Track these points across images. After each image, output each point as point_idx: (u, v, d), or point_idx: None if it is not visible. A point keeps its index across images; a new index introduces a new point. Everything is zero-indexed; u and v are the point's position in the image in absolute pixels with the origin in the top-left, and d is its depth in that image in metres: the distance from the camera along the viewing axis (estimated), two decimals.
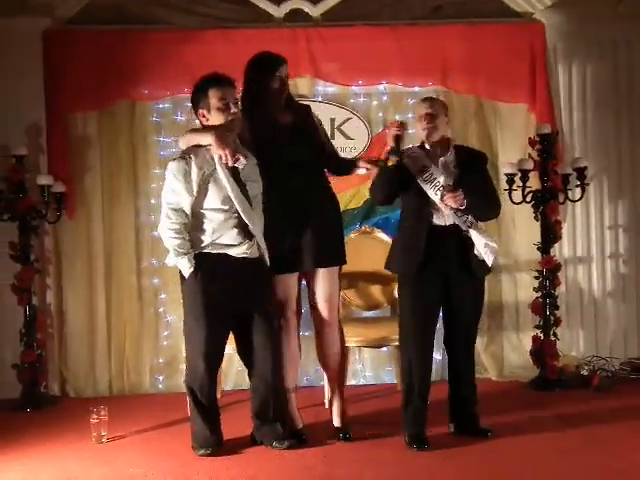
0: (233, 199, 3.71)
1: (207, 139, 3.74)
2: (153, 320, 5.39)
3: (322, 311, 3.99)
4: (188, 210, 3.74)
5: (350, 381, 5.22)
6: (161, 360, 5.37)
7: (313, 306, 4.03)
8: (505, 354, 5.44)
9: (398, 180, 3.82)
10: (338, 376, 4.10)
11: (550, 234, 5.19)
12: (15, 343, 5.09)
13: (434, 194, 3.79)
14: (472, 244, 3.80)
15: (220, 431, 3.87)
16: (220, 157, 3.70)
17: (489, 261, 3.84)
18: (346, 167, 4.16)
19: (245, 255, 3.76)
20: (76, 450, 4.01)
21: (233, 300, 3.77)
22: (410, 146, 4.02)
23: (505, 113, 5.50)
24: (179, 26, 5.40)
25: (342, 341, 4.12)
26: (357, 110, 5.47)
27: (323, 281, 3.96)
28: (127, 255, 5.37)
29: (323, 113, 5.05)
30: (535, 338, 5.16)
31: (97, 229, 5.35)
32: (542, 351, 5.08)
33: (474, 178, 3.84)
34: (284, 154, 3.86)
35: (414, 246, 3.80)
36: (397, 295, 4.05)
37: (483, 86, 5.45)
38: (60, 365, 5.32)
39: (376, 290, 5.09)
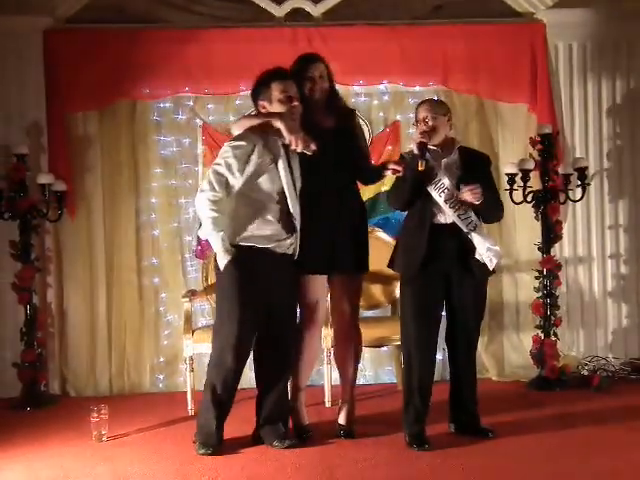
0: (286, 190, 3.75)
1: (275, 123, 3.74)
2: (153, 319, 5.39)
3: (344, 314, 4.02)
4: (236, 188, 3.72)
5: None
6: (161, 359, 5.37)
7: (335, 309, 4.07)
8: (505, 354, 5.44)
9: (420, 186, 3.80)
10: (352, 377, 4.12)
11: (551, 234, 5.19)
12: (15, 342, 5.09)
13: (438, 195, 3.79)
14: (473, 247, 3.79)
15: (223, 430, 3.88)
16: (290, 142, 3.71)
17: (491, 265, 3.82)
18: (376, 173, 4.09)
19: (286, 252, 3.80)
20: (76, 449, 4.02)
21: (268, 298, 3.80)
22: (412, 147, 3.98)
23: (506, 113, 5.50)
24: (180, 25, 5.39)
25: (359, 343, 4.14)
26: (358, 109, 5.42)
27: (347, 285, 3.99)
28: (128, 254, 5.36)
29: None
30: (535, 338, 5.16)
31: (98, 228, 5.35)
32: (542, 351, 5.08)
33: (478, 180, 3.79)
34: (320, 157, 3.81)
35: (416, 245, 3.79)
36: (399, 294, 4.04)
37: (484, 86, 5.44)
38: (60, 364, 5.32)
39: (376, 290, 5.09)
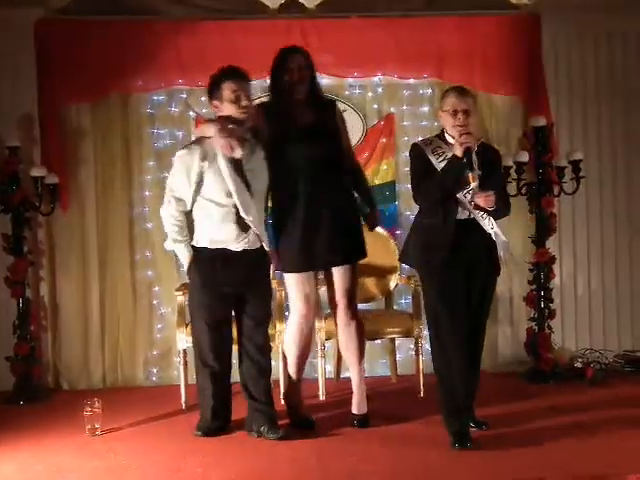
0: (232, 191, 3.78)
1: (210, 130, 3.81)
2: (147, 312, 5.37)
3: (342, 306, 4.04)
4: (188, 199, 3.85)
5: (344, 373, 5.23)
6: (155, 352, 5.35)
7: (333, 302, 4.08)
8: (500, 346, 5.44)
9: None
10: (359, 366, 4.14)
11: (545, 227, 5.19)
12: (8, 335, 5.07)
13: (463, 195, 3.73)
14: (494, 244, 3.80)
15: (220, 419, 4.01)
16: (220, 147, 3.76)
17: (504, 258, 3.90)
18: (360, 192, 4.17)
19: (246, 248, 3.88)
20: (70, 443, 4.01)
21: (232, 286, 3.88)
22: (428, 137, 3.97)
23: (500, 105, 5.48)
24: (173, 17, 5.37)
25: (362, 333, 4.14)
26: (352, 102, 5.45)
27: (341, 277, 4.01)
28: (121, 247, 5.34)
29: None
30: (529, 330, 5.17)
31: (91, 221, 5.32)
32: (536, 343, 5.09)
33: (494, 179, 3.79)
34: (300, 154, 3.87)
35: (441, 242, 3.72)
36: (422, 291, 3.98)
37: (478, 78, 5.42)
38: (54, 357, 5.31)
39: (370, 283, 5.07)
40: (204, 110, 5.35)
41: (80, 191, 5.30)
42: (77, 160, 5.30)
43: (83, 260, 5.31)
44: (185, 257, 3.93)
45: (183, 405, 4.60)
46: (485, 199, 3.69)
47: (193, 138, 4.00)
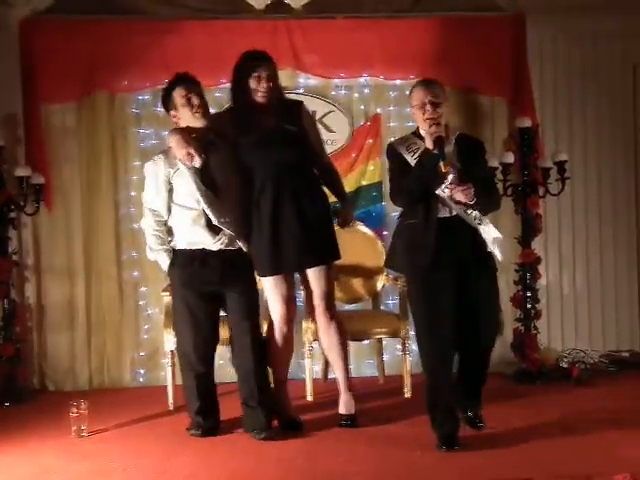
0: (199, 197, 3.85)
1: (171, 140, 3.91)
2: (133, 313, 5.35)
3: (321, 309, 4.04)
4: (162, 209, 3.96)
5: (331, 374, 5.22)
6: (142, 353, 5.33)
7: (310, 305, 4.08)
8: None
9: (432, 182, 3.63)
10: (343, 368, 4.14)
11: (530, 228, 5.22)
12: None
13: (441, 190, 3.61)
14: (483, 240, 3.66)
15: (209, 417, 4.03)
16: (179, 158, 3.86)
17: (499, 255, 3.69)
18: (333, 190, 4.19)
19: (222, 248, 3.93)
20: (55, 444, 3.98)
21: (210, 285, 3.93)
22: (403, 135, 3.92)
23: (485, 106, 5.50)
24: (159, 17, 5.34)
25: (343, 333, 4.14)
26: (339, 103, 5.45)
27: (316, 279, 4.01)
28: (107, 247, 5.31)
29: None
30: (516, 331, 5.19)
31: (76, 221, 5.29)
32: (523, 344, 5.11)
33: (476, 170, 3.67)
34: (265, 158, 3.89)
35: (423, 242, 3.62)
36: (407, 295, 3.96)
37: (464, 79, 5.43)
38: (39, 358, 5.27)
39: (357, 283, 5.08)
40: None
41: (65, 191, 5.27)
42: (62, 160, 5.27)
43: (68, 260, 5.28)
44: (166, 264, 4.01)
45: (170, 406, 4.59)
46: (463, 192, 3.56)
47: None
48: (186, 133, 3.88)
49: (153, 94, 5.33)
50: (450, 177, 3.58)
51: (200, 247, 3.92)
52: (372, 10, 5.47)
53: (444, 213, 3.65)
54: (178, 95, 3.92)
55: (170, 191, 3.94)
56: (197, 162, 3.85)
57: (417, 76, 5.38)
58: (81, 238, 5.30)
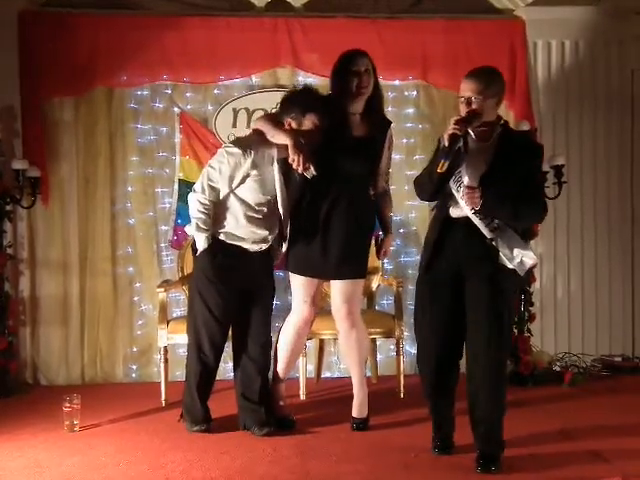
0: (279, 200, 3.85)
1: (283, 138, 3.79)
2: (127, 309, 5.33)
3: (342, 314, 4.01)
4: (223, 192, 3.85)
5: (325, 373, 5.24)
6: (135, 349, 5.32)
7: (333, 308, 4.06)
8: None
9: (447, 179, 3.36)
10: (358, 371, 4.10)
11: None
12: None
13: (456, 190, 3.36)
14: (496, 249, 3.33)
15: (208, 409, 4.03)
16: (293, 160, 3.75)
17: (521, 270, 3.35)
18: (381, 217, 4.14)
19: (260, 250, 3.94)
20: (48, 438, 3.98)
21: (240, 282, 3.90)
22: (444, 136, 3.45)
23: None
24: (159, 12, 5.33)
25: (363, 340, 4.10)
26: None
27: (343, 286, 3.98)
28: (102, 242, 5.30)
29: None
30: None
31: (72, 215, 5.28)
32: (516, 347, 5.12)
33: (510, 176, 3.27)
34: (341, 164, 3.84)
35: (431, 240, 3.47)
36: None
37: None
38: (32, 352, 5.26)
39: None
40: (188, 106, 5.34)
41: (62, 185, 5.26)
42: (59, 154, 5.26)
43: (64, 254, 5.27)
44: (202, 246, 3.87)
45: (163, 402, 4.58)
46: (467, 196, 3.27)
47: (253, 128, 3.97)
48: (300, 138, 3.76)
49: (152, 90, 5.33)
50: (465, 179, 3.32)
51: (237, 243, 3.88)
52: (372, 10, 5.47)
53: (455, 212, 3.39)
54: (309, 120, 3.79)
55: (239, 184, 3.83)
56: (310, 173, 3.76)
57: (416, 77, 5.43)
58: (76, 233, 5.28)
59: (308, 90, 3.91)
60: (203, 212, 3.84)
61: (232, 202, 3.87)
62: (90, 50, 5.17)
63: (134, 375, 5.32)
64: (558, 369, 5.22)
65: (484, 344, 3.32)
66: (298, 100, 3.85)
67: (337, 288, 3.99)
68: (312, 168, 3.74)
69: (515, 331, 5.17)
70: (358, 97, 3.88)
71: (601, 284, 5.63)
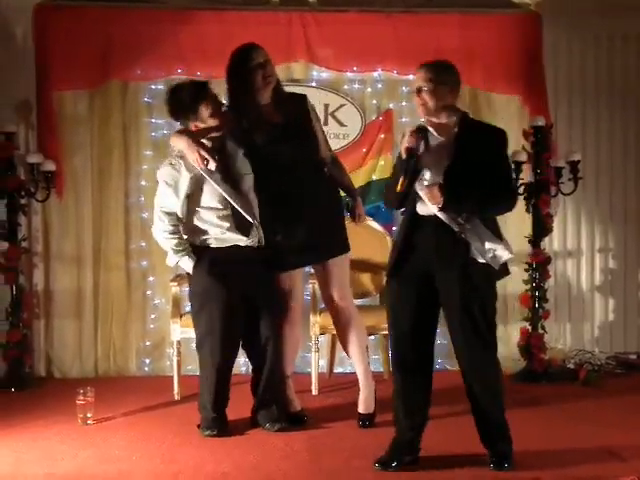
0: (228, 198, 3.79)
1: (180, 144, 3.81)
2: (141, 302, 5.35)
3: (333, 301, 4.00)
4: (180, 213, 3.85)
5: (337, 369, 5.23)
6: (148, 343, 5.34)
7: (326, 299, 4.05)
8: None
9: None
10: (362, 364, 4.08)
11: (541, 227, 5.20)
12: (1, 322, 5.04)
13: (419, 188, 3.27)
14: (467, 244, 3.22)
15: (223, 413, 3.94)
16: (194, 160, 3.76)
17: (495, 264, 3.24)
18: (340, 184, 4.09)
19: (249, 244, 3.88)
20: (61, 431, 3.99)
21: (241, 285, 3.84)
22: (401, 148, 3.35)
23: (499, 104, 5.48)
24: (174, 6, 5.33)
25: (357, 326, 4.08)
26: (351, 96, 5.44)
27: (329, 273, 3.97)
28: (116, 236, 5.32)
29: (317, 98, 5.04)
30: (523, 331, 5.17)
31: (86, 209, 5.30)
32: (530, 344, 5.09)
33: (474, 166, 3.18)
34: (275, 155, 3.83)
35: (398, 239, 3.43)
36: None
37: (477, 76, 5.40)
38: (46, 345, 5.29)
39: (365, 278, 5.08)
40: None
41: (76, 178, 5.28)
42: (74, 147, 5.28)
43: (78, 248, 5.29)
44: (190, 266, 3.85)
45: (176, 396, 4.60)
46: (427, 192, 3.19)
47: (173, 150, 3.92)
48: (192, 136, 3.79)
49: (166, 84, 5.29)
50: (427, 175, 3.25)
51: (231, 244, 3.85)
52: (386, 4, 5.45)
53: (422, 210, 3.29)
54: (204, 110, 3.79)
55: (188, 196, 3.83)
56: (212, 165, 3.77)
57: None
58: (90, 226, 5.31)
59: (177, 89, 3.89)
60: (171, 238, 3.84)
61: (201, 214, 3.83)
62: (105, 44, 5.18)
63: (147, 369, 5.34)
64: (572, 366, 5.18)
65: (463, 346, 3.30)
66: (179, 102, 3.85)
67: (324, 277, 3.97)
68: (211, 162, 3.74)
69: (529, 328, 5.14)
70: (265, 88, 3.85)
71: (616, 281, 5.59)
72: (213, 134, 3.85)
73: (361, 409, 4.06)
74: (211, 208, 3.83)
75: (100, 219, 5.31)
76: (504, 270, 3.35)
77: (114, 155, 5.31)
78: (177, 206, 3.84)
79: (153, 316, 5.35)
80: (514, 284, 5.36)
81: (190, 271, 3.87)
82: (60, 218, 5.27)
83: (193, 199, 3.84)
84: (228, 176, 3.83)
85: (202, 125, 3.84)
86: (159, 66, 5.27)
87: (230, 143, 3.88)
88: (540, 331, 5.15)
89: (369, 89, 5.48)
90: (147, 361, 5.34)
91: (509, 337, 5.41)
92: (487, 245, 3.22)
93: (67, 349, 5.29)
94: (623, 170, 5.59)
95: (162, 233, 3.87)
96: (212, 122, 3.83)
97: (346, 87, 5.44)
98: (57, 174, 5.12)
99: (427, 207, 3.25)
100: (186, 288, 5.04)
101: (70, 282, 5.29)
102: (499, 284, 5.39)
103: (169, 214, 3.85)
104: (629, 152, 5.59)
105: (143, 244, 5.34)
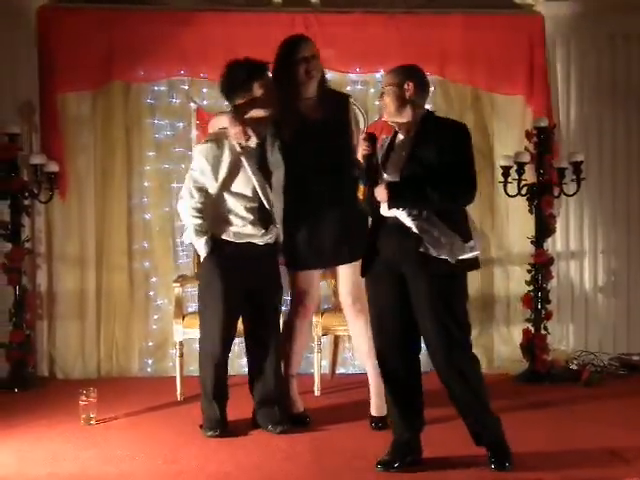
0: (257, 187, 3.79)
1: (223, 120, 3.79)
2: (143, 303, 5.36)
3: (350, 304, 3.99)
4: (212, 190, 3.81)
5: (339, 369, 5.23)
6: (150, 343, 5.34)
7: (342, 300, 4.04)
8: (495, 346, 5.44)
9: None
10: (374, 366, 3.94)
11: (544, 228, 5.19)
12: (4, 323, 5.04)
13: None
14: (419, 238, 3.21)
15: (225, 413, 3.93)
16: (234, 135, 3.73)
17: (453, 259, 3.19)
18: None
19: (267, 242, 3.88)
20: (64, 431, 4.00)
21: (247, 283, 3.84)
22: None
23: (502, 105, 5.48)
24: (177, 7, 5.34)
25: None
26: (354, 97, 5.41)
27: (346, 275, 3.95)
28: (119, 237, 5.33)
29: None
30: (526, 331, 5.16)
31: (89, 210, 5.31)
32: (533, 344, 5.09)
33: (428, 161, 3.22)
34: (309, 152, 3.82)
35: (367, 239, 3.46)
36: None
37: (480, 77, 5.42)
38: (49, 346, 5.29)
39: None
40: (205, 102, 5.34)
41: (79, 179, 5.29)
42: (77, 148, 5.28)
43: (81, 249, 5.30)
44: (205, 251, 3.81)
45: (178, 397, 4.60)
46: (376, 191, 3.26)
47: (210, 130, 3.95)
48: (237, 112, 3.74)
49: (169, 85, 5.35)
50: (386, 175, 3.32)
51: (246, 241, 3.83)
52: (389, 5, 5.45)
53: (384, 211, 3.34)
54: (257, 88, 3.77)
55: (226, 176, 3.78)
56: (253, 141, 3.73)
57: (433, 73, 5.37)
58: (93, 227, 5.31)
59: (235, 65, 3.83)
60: (197, 216, 3.79)
61: (229, 200, 3.82)
62: (108, 45, 5.19)
63: (149, 369, 5.34)
64: (575, 367, 5.17)
65: (434, 347, 3.29)
66: (235, 78, 3.81)
67: (340, 277, 3.98)
68: (252, 136, 3.72)
69: (531, 329, 5.14)
70: (308, 82, 3.85)
71: (619, 282, 5.58)
72: (260, 113, 3.79)
73: (374, 412, 4.01)
74: (241, 196, 3.80)
75: (103, 220, 5.31)
76: (473, 264, 3.32)
77: (117, 156, 5.32)
78: (211, 185, 3.79)
79: (156, 317, 5.35)
80: (516, 284, 5.37)
81: (202, 255, 3.84)
82: (63, 219, 5.28)
83: (225, 183, 3.80)
84: (262, 166, 3.83)
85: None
86: (161, 67, 5.29)
87: (270, 134, 3.87)
88: (543, 332, 5.14)
89: (372, 90, 5.46)
90: (150, 362, 5.34)
91: (512, 338, 5.41)
92: (443, 240, 3.20)
93: (70, 350, 5.29)
94: (626, 171, 5.58)
95: (189, 210, 3.80)
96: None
97: (349, 88, 5.42)
98: (60, 175, 5.13)
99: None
100: (188, 289, 5.09)
101: (73, 283, 5.29)
102: (501, 285, 5.50)
103: (201, 191, 3.80)
104: (632, 153, 5.58)
105: (146, 245, 5.34)
